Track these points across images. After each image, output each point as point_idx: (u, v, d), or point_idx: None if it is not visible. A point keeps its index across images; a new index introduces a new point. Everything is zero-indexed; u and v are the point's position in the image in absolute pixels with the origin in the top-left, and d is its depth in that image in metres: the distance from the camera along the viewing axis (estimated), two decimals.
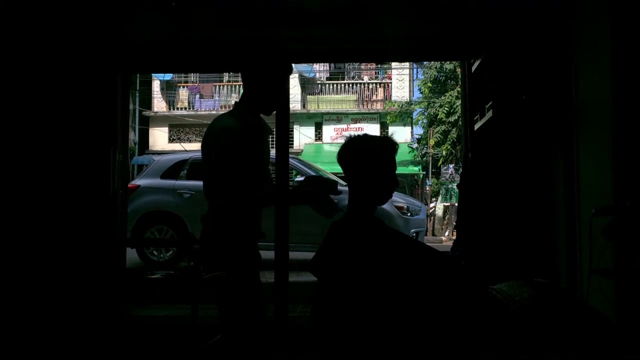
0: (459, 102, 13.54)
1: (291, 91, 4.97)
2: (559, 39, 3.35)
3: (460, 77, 9.42)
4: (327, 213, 2.22)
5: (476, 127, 3.93)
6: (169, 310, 4.27)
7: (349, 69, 20.14)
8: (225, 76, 19.89)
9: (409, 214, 7.53)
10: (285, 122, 3.84)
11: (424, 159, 17.29)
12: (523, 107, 3.46)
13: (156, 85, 20.20)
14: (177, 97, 20.28)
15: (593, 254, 2.58)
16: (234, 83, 19.90)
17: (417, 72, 19.33)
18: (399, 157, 2.10)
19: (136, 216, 7.25)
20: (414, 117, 18.29)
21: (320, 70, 20.05)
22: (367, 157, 1.99)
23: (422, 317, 1.83)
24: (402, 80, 19.57)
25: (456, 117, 14.05)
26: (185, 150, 16.56)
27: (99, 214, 3.69)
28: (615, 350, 1.78)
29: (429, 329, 1.82)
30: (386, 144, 2.02)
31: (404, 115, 17.85)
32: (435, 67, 15.25)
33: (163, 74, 18.67)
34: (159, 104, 20.28)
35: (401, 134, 17.99)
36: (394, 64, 18.93)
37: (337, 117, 19.50)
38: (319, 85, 20.13)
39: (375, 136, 2.10)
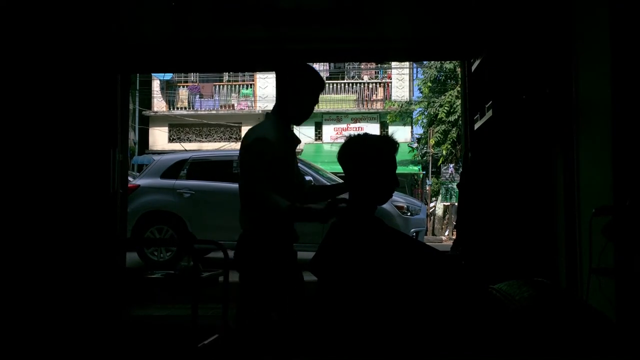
0: (459, 102, 13.52)
1: None
2: (558, 39, 3.35)
3: (460, 76, 9.41)
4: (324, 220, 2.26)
5: (476, 126, 3.93)
6: (169, 310, 4.27)
7: (349, 68, 20.09)
8: (225, 76, 19.86)
9: (409, 214, 7.53)
10: None
11: (424, 158, 17.28)
12: (523, 106, 3.45)
13: (156, 85, 20.17)
14: (177, 97, 20.26)
15: (593, 254, 2.57)
16: (234, 83, 19.90)
17: (417, 72, 19.32)
18: (399, 157, 2.10)
19: (136, 216, 7.24)
20: (414, 116, 18.29)
21: (320, 70, 20.01)
22: (368, 157, 1.99)
23: (422, 317, 1.83)
24: (402, 80, 19.54)
25: (456, 117, 14.02)
26: (185, 150, 16.58)
27: (99, 214, 3.69)
28: (615, 350, 1.78)
29: (429, 329, 1.82)
30: (386, 144, 2.02)
31: (404, 115, 17.84)
32: (435, 67, 15.22)
33: (163, 74, 18.65)
34: (158, 104, 20.26)
35: (401, 134, 17.95)
36: (393, 64, 18.89)
37: (337, 117, 19.48)
38: None
39: (376, 136, 2.09)
